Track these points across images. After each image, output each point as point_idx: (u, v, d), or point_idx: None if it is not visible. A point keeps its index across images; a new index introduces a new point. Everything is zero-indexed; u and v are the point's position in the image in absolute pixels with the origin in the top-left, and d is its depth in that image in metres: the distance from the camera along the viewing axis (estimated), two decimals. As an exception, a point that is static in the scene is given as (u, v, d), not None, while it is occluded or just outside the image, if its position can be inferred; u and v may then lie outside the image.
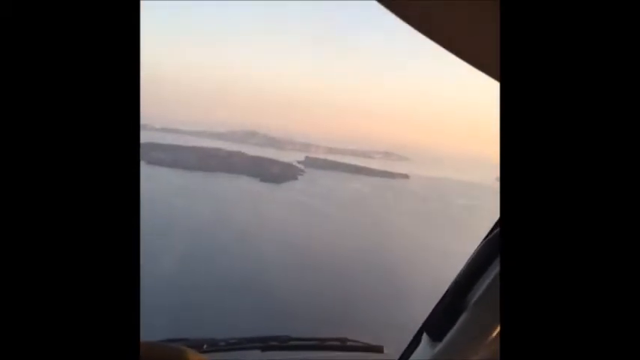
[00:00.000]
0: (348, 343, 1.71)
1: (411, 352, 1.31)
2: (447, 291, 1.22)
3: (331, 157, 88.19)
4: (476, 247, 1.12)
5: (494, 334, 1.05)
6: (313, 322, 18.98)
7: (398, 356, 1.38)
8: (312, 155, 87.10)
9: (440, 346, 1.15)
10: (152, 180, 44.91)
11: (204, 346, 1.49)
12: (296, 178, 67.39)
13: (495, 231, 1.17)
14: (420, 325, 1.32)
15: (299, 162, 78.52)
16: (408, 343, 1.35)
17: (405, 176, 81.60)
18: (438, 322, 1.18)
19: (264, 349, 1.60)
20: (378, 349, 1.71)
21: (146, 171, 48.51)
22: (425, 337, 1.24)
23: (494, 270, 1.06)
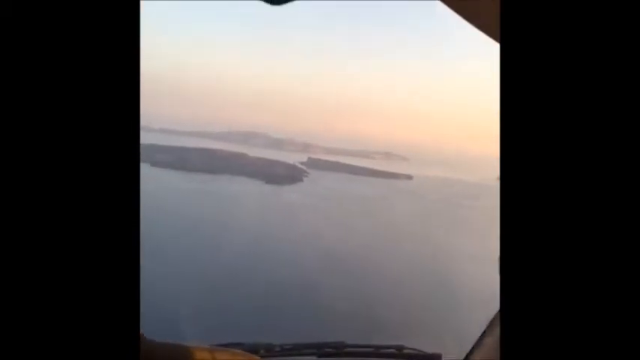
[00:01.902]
0: (405, 351, 1.67)
1: None
2: None
3: (332, 158, 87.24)
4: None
5: None
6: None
7: None
8: (314, 156, 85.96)
9: None
10: (158, 182, 43.50)
11: (261, 351, 1.49)
12: (301, 180, 66.16)
13: None
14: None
15: (301, 163, 77.33)
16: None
17: (409, 177, 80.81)
18: None
19: (319, 355, 1.60)
20: (437, 357, 1.67)
21: (151, 173, 47.10)
22: None
23: None
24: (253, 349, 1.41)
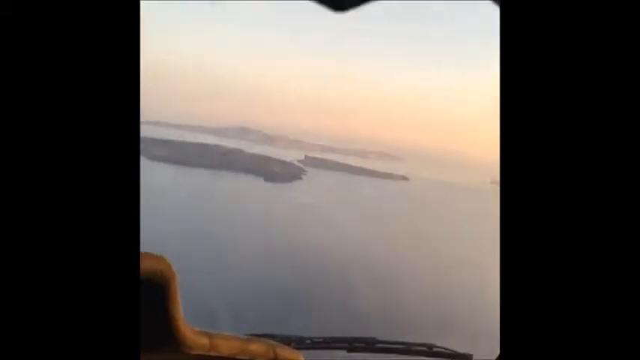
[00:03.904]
0: (435, 349, 1.67)
1: None
2: None
3: (327, 156, 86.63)
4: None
5: None
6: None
7: None
8: (309, 154, 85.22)
9: None
10: (157, 178, 42.32)
11: (292, 344, 1.49)
12: (300, 178, 65.43)
13: None
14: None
15: (299, 161, 76.57)
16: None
17: (405, 178, 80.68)
18: None
19: (350, 349, 1.61)
20: (467, 357, 1.68)
21: (148, 168, 45.88)
22: None
23: None
24: (285, 341, 1.36)
